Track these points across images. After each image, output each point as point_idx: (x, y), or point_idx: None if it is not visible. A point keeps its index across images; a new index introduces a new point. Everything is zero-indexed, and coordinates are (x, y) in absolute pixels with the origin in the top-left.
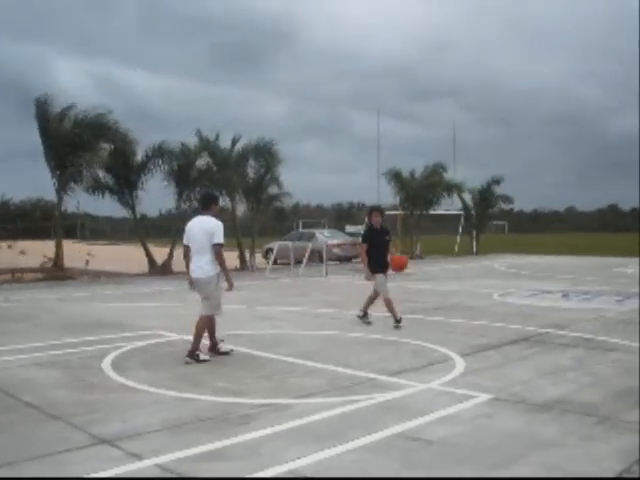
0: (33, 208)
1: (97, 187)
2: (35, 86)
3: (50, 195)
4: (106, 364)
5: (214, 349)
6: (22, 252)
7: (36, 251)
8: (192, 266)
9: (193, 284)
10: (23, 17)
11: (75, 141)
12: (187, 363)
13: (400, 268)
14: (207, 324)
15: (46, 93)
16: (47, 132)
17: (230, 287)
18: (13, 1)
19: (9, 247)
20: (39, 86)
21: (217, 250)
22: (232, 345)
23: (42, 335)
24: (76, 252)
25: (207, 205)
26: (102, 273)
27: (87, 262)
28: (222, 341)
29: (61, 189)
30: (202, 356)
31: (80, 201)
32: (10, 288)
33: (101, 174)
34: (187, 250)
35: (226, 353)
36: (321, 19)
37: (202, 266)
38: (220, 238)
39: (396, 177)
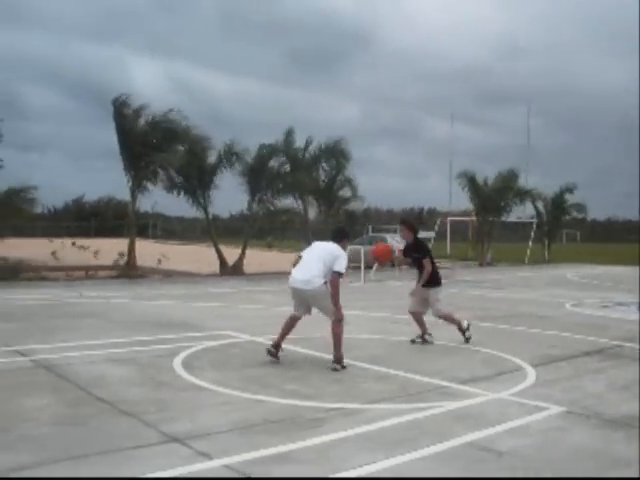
0: (106, 207)
1: (171, 187)
2: (113, 87)
3: (123, 194)
4: (177, 363)
5: (277, 348)
6: (96, 253)
7: (109, 249)
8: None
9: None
10: (102, 20)
11: (150, 141)
12: (334, 370)
13: (380, 257)
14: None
15: (124, 94)
16: (123, 132)
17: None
18: (91, 4)
19: (80, 247)
20: (117, 87)
21: (335, 279)
22: (305, 349)
23: (114, 332)
24: (148, 251)
25: (339, 239)
26: (173, 272)
27: (159, 261)
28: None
29: (135, 188)
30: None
31: (156, 201)
32: (84, 285)
33: (175, 174)
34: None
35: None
36: (396, 22)
37: (308, 279)
38: (343, 267)
39: (471, 181)
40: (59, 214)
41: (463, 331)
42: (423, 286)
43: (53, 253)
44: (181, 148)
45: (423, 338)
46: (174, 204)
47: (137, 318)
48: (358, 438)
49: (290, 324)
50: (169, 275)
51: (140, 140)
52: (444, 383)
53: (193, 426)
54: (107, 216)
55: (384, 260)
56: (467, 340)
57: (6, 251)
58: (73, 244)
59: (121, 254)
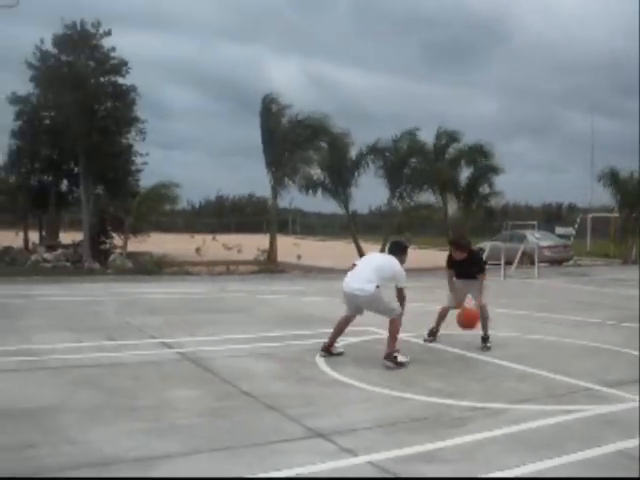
0: (246, 203)
1: (310, 185)
2: (252, 87)
3: (262, 191)
4: (320, 358)
5: (329, 349)
6: (239, 250)
7: (249, 245)
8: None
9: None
10: (239, 20)
11: (292, 139)
12: (387, 367)
13: (466, 325)
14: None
15: (272, 92)
16: (267, 130)
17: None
18: (228, 6)
19: (213, 239)
20: (256, 86)
21: (401, 292)
22: (448, 346)
23: (257, 326)
24: (288, 246)
25: (397, 252)
26: (313, 268)
27: (299, 257)
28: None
29: (276, 185)
30: (400, 358)
31: (293, 198)
32: (225, 279)
33: (315, 171)
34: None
35: (339, 354)
36: (534, 12)
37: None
38: (403, 281)
39: (612, 177)
40: (200, 210)
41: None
42: (466, 279)
43: (197, 250)
44: (322, 145)
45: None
46: (313, 200)
47: (279, 313)
48: (504, 439)
49: (343, 325)
50: (309, 271)
51: (282, 138)
52: (591, 385)
53: (337, 422)
54: (246, 212)
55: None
56: (487, 348)
57: (150, 246)
58: (214, 239)
59: (262, 250)
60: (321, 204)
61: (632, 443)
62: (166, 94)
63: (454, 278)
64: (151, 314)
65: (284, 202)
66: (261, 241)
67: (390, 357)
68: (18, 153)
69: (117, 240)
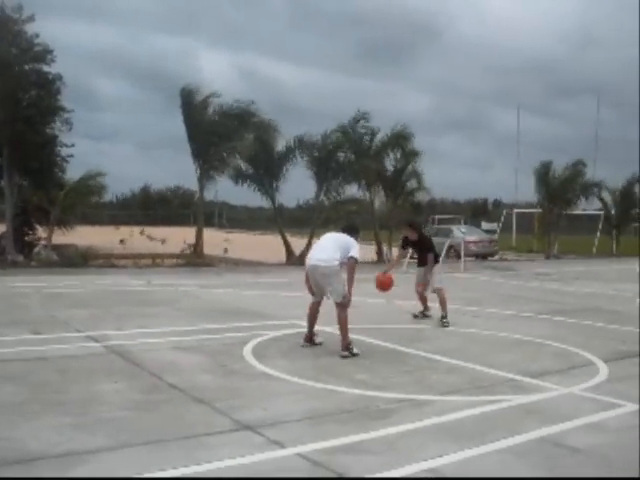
0: (172, 196)
1: (238, 176)
2: (182, 78)
3: (189, 183)
4: (247, 351)
5: (311, 339)
6: (163, 242)
7: (175, 238)
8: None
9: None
10: (171, 12)
11: (218, 131)
12: (344, 357)
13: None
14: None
15: (191, 83)
16: (191, 121)
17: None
18: None
19: (148, 236)
20: (185, 79)
21: (352, 264)
22: (375, 339)
23: (184, 320)
24: (214, 240)
25: (351, 233)
26: (240, 261)
27: (225, 250)
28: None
29: (203, 177)
30: (355, 349)
31: (218, 190)
32: (151, 272)
33: (242, 164)
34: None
35: (320, 344)
36: (466, 14)
37: (325, 258)
38: (358, 254)
39: (541, 172)
40: (126, 202)
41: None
42: (422, 266)
43: (122, 241)
44: (249, 137)
45: (424, 314)
46: (239, 193)
47: (205, 306)
48: (428, 430)
49: (313, 313)
50: (236, 264)
51: (209, 129)
52: (515, 376)
53: (265, 414)
54: (173, 205)
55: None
56: (445, 324)
57: (75, 238)
58: (141, 233)
59: (189, 244)
60: (248, 197)
61: (553, 430)
62: (94, 84)
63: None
64: (77, 307)
65: (210, 195)
66: (188, 234)
67: (347, 348)
68: None
69: (41, 232)
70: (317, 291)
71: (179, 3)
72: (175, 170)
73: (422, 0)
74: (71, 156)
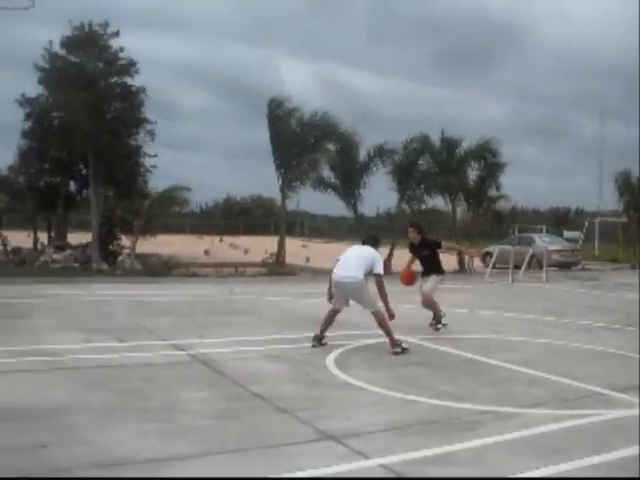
0: (254, 205)
1: (320, 185)
2: (264, 89)
3: (271, 193)
4: (329, 361)
5: (320, 340)
6: (246, 251)
7: (256, 247)
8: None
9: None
10: (252, 23)
11: (301, 141)
12: (396, 354)
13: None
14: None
15: (278, 95)
16: (276, 132)
17: (391, 317)
18: (242, 8)
19: (230, 244)
20: (267, 89)
21: (379, 282)
22: (456, 349)
23: (266, 329)
24: (296, 249)
25: (373, 245)
26: (321, 271)
27: (307, 259)
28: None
29: (285, 187)
30: (404, 344)
31: (300, 200)
32: (234, 281)
33: (325, 173)
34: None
35: (325, 344)
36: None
37: (350, 275)
38: (382, 269)
39: (625, 180)
40: (208, 212)
41: (439, 320)
42: (426, 275)
43: (206, 251)
44: (331, 147)
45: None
46: (320, 202)
47: (288, 315)
48: (515, 443)
49: (331, 317)
50: (317, 273)
51: (291, 140)
52: (602, 390)
53: (348, 425)
54: (255, 214)
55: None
56: (438, 328)
57: (158, 248)
58: (221, 241)
59: (271, 253)
60: (329, 206)
61: None
62: (177, 95)
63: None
64: (161, 315)
65: (292, 204)
66: (269, 243)
67: (396, 345)
68: (28, 154)
69: (125, 241)
70: (341, 302)
71: (260, 14)
72: (256, 180)
73: (502, 4)
74: (154, 166)
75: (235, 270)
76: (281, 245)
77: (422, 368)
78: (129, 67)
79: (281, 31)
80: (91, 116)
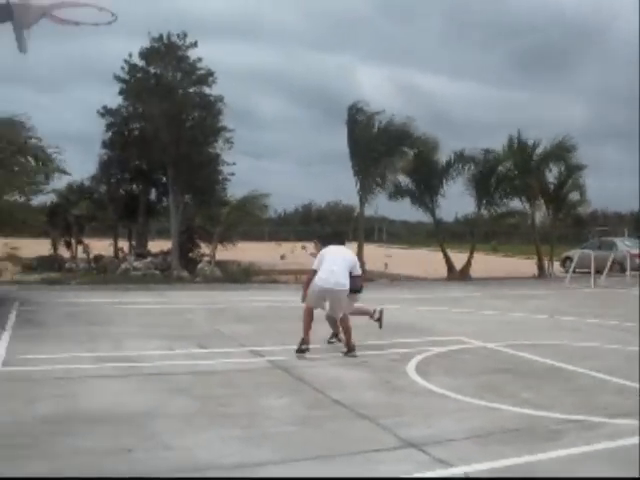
0: (332, 211)
1: (398, 192)
2: (340, 95)
3: (349, 199)
4: (410, 368)
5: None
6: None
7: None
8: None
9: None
10: (328, 30)
11: (378, 147)
12: (353, 357)
13: None
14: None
15: (357, 100)
16: (355, 138)
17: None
18: (318, 15)
19: (303, 248)
20: (344, 95)
21: (359, 282)
22: (537, 356)
23: None
24: (374, 255)
25: (342, 241)
26: (400, 277)
27: (386, 265)
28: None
29: (364, 193)
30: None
31: (378, 206)
32: None
33: (403, 179)
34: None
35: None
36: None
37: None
38: (359, 270)
39: None
40: (286, 218)
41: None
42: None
43: (282, 256)
44: (409, 152)
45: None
46: (398, 208)
47: (367, 322)
48: (602, 454)
49: (310, 318)
50: (396, 279)
51: (369, 146)
52: None
53: (430, 432)
54: (332, 220)
55: None
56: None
57: (237, 254)
58: (303, 248)
59: None
60: (407, 212)
61: None
62: (254, 103)
63: None
64: (241, 322)
65: (370, 210)
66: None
67: (353, 349)
68: (108, 163)
69: (204, 248)
70: (320, 304)
71: (335, 21)
72: (334, 186)
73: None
74: (233, 174)
75: None
76: (360, 251)
77: (503, 375)
78: (207, 77)
79: (357, 36)
80: (170, 125)
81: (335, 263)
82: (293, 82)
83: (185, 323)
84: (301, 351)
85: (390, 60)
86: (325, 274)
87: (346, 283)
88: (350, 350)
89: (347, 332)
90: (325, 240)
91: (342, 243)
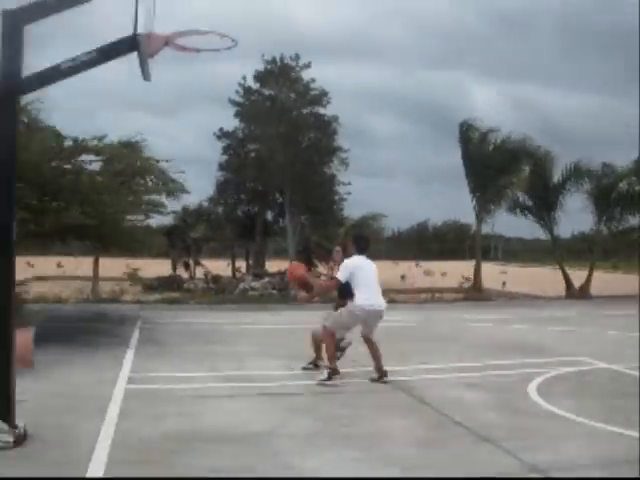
0: (447, 229)
1: (515, 208)
2: (454, 111)
3: (465, 217)
4: (532, 389)
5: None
6: (443, 274)
7: (451, 271)
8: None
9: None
10: (440, 47)
11: (495, 164)
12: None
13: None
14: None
15: (469, 118)
16: (469, 156)
17: None
18: (431, 33)
19: (425, 270)
20: (458, 111)
21: None
22: None
23: (466, 355)
24: (490, 273)
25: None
26: (518, 295)
27: (503, 284)
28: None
29: (481, 211)
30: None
31: (494, 223)
32: (431, 307)
33: (519, 195)
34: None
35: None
36: None
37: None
38: None
39: None
40: (401, 236)
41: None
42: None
43: (402, 277)
44: (525, 169)
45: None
46: (514, 225)
47: (487, 341)
48: None
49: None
50: (514, 298)
51: (485, 163)
52: None
53: (554, 457)
54: (448, 238)
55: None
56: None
57: None
58: (417, 265)
59: (466, 278)
60: (523, 229)
61: None
62: (367, 122)
63: None
64: (360, 342)
65: (486, 227)
66: (463, 267)
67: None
68: (225, 185)
69: (321, 268)
70: (350, 328)
71: (447, 38)
72: (449, 204)
73: None
74: (349, 194)
75: (432, 296)
76: (477, 270)
77: (629, 399)
78: (321, 97)
79: (470, 53)
80: (286, 146)
81: (372, 280)
82: (406, 99)
83: (304, 343)
84: (330, 379)
85: (504, 75)
86: (367, 294)
87: (384, 302)
88: (382, 375)
89: (377, 356)
90: (360, 245)
91: (364, 251)
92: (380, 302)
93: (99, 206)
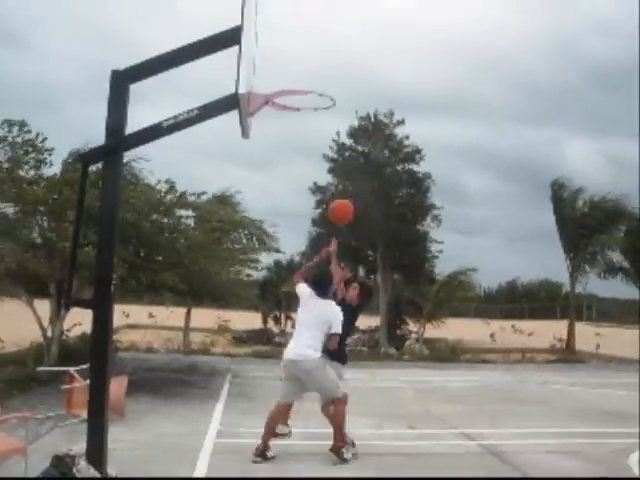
0: (538, 288)
1: (610, 270)
2: (548, 169)
3: (557, 276)
4: (633, 462)
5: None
6: (530, 333)
7: (542, 331)
8: None
9: None
10: (536, 103)
11: (590, 223)
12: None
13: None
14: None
15: (562, 176)
16: (562, 214)
17: None
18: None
19: (513, 327)
20: (551, 168)
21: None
22: None
23: (558, 420)
24: (583, 334)
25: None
26: (613, 358)
27: (597, 346)
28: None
29: (575, 271)
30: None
31: (588, 282)
32: (522, 368)
33: (614, 256)
34: None
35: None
36: None
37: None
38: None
39: None
40: (491, 295)
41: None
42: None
43: (492, 335)
44: (621, 229)
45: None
46: (608, 284)
47: (581, 406)
48: None
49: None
50: (609, 361)
51: (578, 222)
52: None
53: None
54: (540, 297)
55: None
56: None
57: (444, 332)
58: (513, 327)
59: (559, 339)
60: (618, 289)
61: None
62: (460, 179)
63: None
64: (450, 402)
65: (579, 287)
66: (555, 327)
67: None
68: (318, 240)
69: (412, 326)
70: (288, 392)
71: (543, 94)
72: (541, 262)
73: None
74: (441, 252)
75: (522, 356)
76: (571, 331)
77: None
78: (414, 154)
79: (566, 110)
80: (379, 203)
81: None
82: (498, 157)
83: (394, 402)
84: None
85: (599, 131)
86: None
87: (305, 351)
88: (340, 448)
89: (337, 421)
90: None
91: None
92: (297, 350)
93: (194, 266)
